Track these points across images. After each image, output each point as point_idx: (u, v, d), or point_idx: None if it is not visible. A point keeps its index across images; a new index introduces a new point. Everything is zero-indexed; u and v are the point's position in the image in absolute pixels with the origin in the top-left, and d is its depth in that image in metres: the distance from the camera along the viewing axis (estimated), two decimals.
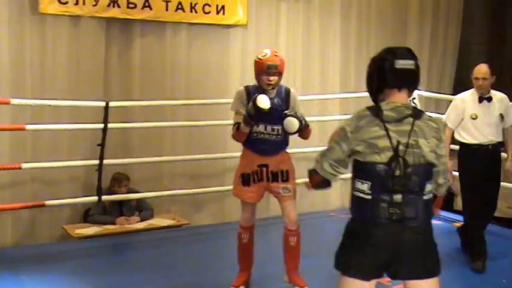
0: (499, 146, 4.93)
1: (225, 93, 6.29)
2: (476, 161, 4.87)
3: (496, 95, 4.92)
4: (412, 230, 2.48)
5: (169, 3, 5.96)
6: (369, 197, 2.47)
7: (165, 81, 6.13)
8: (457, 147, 5.10)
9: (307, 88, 6.66)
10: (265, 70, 3.93)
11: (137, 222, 5.70)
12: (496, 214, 5.34)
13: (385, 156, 2.46)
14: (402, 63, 2.57)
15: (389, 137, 2.48)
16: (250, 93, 3.98)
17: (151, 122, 5.82)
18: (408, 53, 2.64)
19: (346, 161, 2.60)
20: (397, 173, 2.44)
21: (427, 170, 2.52)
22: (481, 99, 4.87)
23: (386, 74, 2.56)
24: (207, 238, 5.68)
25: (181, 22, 6.09)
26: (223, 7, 6.23)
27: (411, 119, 2.52)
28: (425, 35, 7.64)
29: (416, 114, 2.55)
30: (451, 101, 7.48)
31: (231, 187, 6.16)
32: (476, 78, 4.86)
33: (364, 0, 7.13)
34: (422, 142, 2.50)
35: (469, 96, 4.96)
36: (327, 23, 6.86)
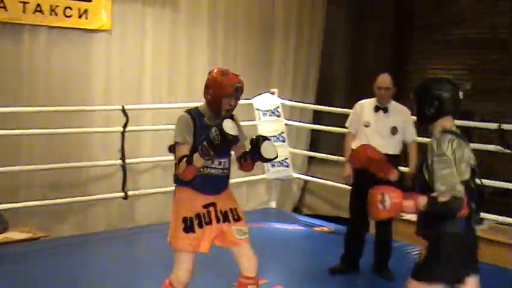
0: (390, 159, 4.47)
1: (87, 99, 6.10)
2: (363, 170, 4.85)
3: (397, 107, 4.83)
4: None
5: (26, 5, 5.66)
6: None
7: (22, 87, 5.81)
8: None
9: (174, 97, 6.62)
10: (231, 93, 3.29)
11: None
12: None
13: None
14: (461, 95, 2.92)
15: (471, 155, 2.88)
16: (196, 120, 3.32)
17: (6, 130, 5.48)
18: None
19: None
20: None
21: None
22: (377, 109, 4.79)
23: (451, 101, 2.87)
24: (68, 250, 5.43)
25: (40, 25, 5.81)
26: (86, 11, 6.03)
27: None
28: (290, 47, 7.87)
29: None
30: (315, 110, 7.89)
31: (95, 196, 6.12)
32: (379, 88, 4.73)
33: (231, 13, 7.19)
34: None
35: (367, 104, 4.88)
36: (194, 33, 6.86)
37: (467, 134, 3.19)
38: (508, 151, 5.58)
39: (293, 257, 5.41)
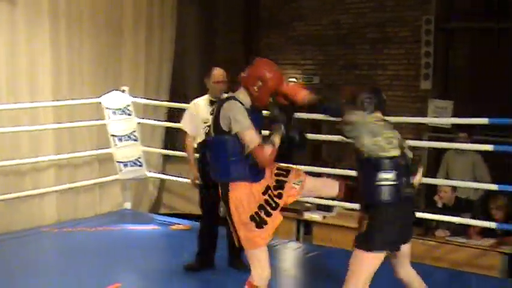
0: None
1: None
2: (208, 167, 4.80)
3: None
4: None
5: None
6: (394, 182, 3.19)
7: None
8: None
9: (15, 96, 6.19)
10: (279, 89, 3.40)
11: None
12: None
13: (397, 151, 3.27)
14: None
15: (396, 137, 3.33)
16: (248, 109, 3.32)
17: None
18: None
19: None
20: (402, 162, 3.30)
21: None
22: (212, 103, 4.71)
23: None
24: None
25: None
26: None
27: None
28: (141, 44, 7.66)
29: None
30: (169, 107, 7.78)
31: None
32: (218, 82, 4.71)
33: (74, 9, 6.80)
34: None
35: (202, 101, 4.86)
36: (35, 29, 6.41)
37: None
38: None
39: (148, 257, 5.28)
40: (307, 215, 6.55)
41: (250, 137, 3.25)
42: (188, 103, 6.79)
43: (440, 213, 5.60)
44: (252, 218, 3.27)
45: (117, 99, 6.69)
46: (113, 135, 6.62)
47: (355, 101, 3.36)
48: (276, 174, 3.42)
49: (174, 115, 8.09)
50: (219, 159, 3.34)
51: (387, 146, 3.20)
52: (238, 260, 4.85)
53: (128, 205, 7.04)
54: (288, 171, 3.47)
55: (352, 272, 3.22)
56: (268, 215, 3.29)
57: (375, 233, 3.18)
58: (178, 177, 7.03)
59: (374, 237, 3.18)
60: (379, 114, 3.38)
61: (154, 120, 7.45)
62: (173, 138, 8.49)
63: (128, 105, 6.73)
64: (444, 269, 5.19)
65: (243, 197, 3.29)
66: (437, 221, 5.74)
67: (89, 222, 6.37)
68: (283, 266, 5.24)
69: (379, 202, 3.19)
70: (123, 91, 6.83)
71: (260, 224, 3.27)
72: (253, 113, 3.35)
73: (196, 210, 7.63)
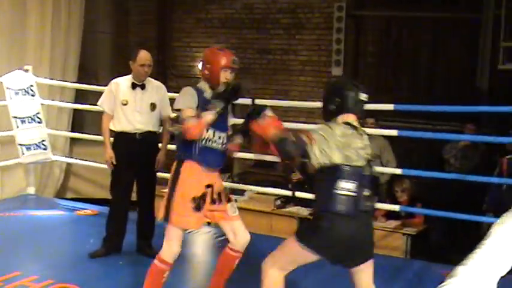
0: (151, 136, 4.71)
1: None
2: (122, 150, 4.68)
3: (152, 82, 4.74)
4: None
5: None
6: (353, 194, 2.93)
7: None
8: None
9: None
10: (228, 64, 3.48)
11: None
12: None
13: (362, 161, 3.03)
14: (364, 97, 3.16)
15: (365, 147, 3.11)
16: (199, 94, 3.48)
17: None
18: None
19: None
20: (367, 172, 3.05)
21: None
22: (134, 86, 4.65)
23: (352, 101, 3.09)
24: None
25: None
26: None
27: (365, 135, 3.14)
28: (47, 24, 7.32)
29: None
30: (77, 89, 7.50)
31: None
32: (143, 65, 4.59)
33: None
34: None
35: (123, 82, 4.70)
36: None
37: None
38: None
39: (52, 244, 5.09)
40: None
41: (182, 114, 3.42)
42: (99, 84, 6.69)
43: None
44: (194, 199, 3.42)
45: (20, 79, 6.37)
46: (14, 117, 6.29)
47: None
48: (221, 192, 3.59)
49: (85, 97, 7.84)
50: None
51: (354, 157, 2.99)
52: (147, 246, 4.77)
53: (31, 190, 6.75)
54: (229, 200, 3.64)
55: (276, 251, 3.14)
56: (203, 205, 3.46)
57: (316, 231, 2.99)
58: (86, 160, 6.83)
59: (311, 233, 3.01)
60: (346, 121, 3.08)
61: (61, 101, 7.17)
62: (81, 121, 8.23)
63: (31, 86, 6.43)
64: None
65: (195, 176, 3.46)
66: None
67: None
68: (192, 250, 5.20)
69: (329, 209, 2.93)
70: (27, 71, 6.50)
71: (197, 208, 3.43)
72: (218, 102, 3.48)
73: (104, 194, 7.49)
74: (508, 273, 1.49)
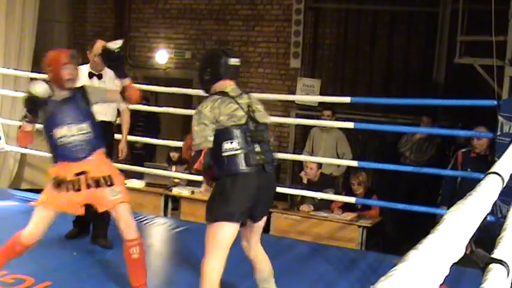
0: (106, 125, 4.62)
1: None
2: None
3: (110, 72, 4.58)
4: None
5: None
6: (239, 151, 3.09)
7: None
8: None
9: None
10: (67, 60, 3.52)
11: None
12: None
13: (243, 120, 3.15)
14: (234, 61, 3.30)
15: (241, 107, 3.19)
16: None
17: None
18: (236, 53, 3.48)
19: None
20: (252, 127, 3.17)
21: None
22: (91, 75, 4.71)
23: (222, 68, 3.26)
24: None
25: None
26: None
27: (245, 95, 3.29)
28: (1, 13, 7.17)
29: (246, 92, 3.37)
30: (31, 78, 7.34)
31: None
32: (95, 55, 4.59)
33: None
34: (260, 108, 3.31)
35: (82, 71, 4.59)
36: None
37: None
38: None
39: (3, 235, 4.96)
40: (176, 191, 6.50)
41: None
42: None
43: (305, 189, 5.78)
44: (55, 179, 3.51)
45: None
46: None
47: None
48: (104, 178, 3.57)
49: None
50: None
51: (229, 122, 3.12)
52: (102, 237, 4.74)
53: None
54: (112, 184, 3.58)
55: (207, 245, 3.15)
56: (67, 190, 3.50)
57: (220, 204, 3.09)
58: (40, 151, 6.69)
59: (218, 208, 3.09)
60: (221, 89, 3.25)
61: (15, 91, 7.02)
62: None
63: None
64: (307, 242, 5.37)
65: (59, 170, 3.55)
66: (303, 196, 5.93)
67: None
68: (148, 241, 5.17)
69: (223, 173, 3.09)
70: None
71: (56, 186, 3.50)
72: (66, 103, 3.56)
73: None
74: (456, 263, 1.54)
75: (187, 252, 4.74)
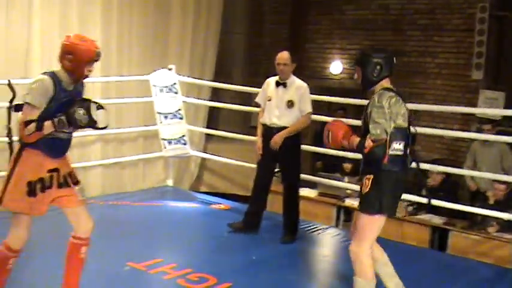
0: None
1: None
2: (265, 141, 5.07)
3: (295, 82, 5.07)
4: None
5: None
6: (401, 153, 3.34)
7: None
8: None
9: None
10: (93, 58, 3.28)
11: None
12: None
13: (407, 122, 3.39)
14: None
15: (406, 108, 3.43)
16: (56, 84, 3.24)
17: None
18: None
19: None
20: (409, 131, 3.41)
21: None
22: (278, 84, 5.06)
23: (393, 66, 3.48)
24: None
25: None
26: None
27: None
28: (188, 23, 7.70)
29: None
30: (213, 87, 7.79)
31: None
32: (278, 64, 5.00)
33: None
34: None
35: (272, 80, 5.15)
36: (86, 6, 6.50)
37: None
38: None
39: (188, 234, 5.33)
40: (348, 202, 6.49)
41: (27, 111, 3.24)
42: (233, 83, 6.94)
43: (489, 208, 5.47)
44: (29, 183, 3.28)
45: (165, 77, 6.74)
46: (159, 113, 6.67)
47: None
48: (71, 174, 3.46)
49: (218, 95, 8.13)
50: None
51: (404, 124, 3.36)
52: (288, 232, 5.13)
53: (170, 182, 7.10)
54: (77, 182, 3.49)
55: (361, 232, 3.44)
56: (42, 190, 3.32)
57: (378, 197, 3.35)
58: (220, 156, 7.07)
59: (377, 201, 3.36)
60: (385, 86, 3.47)
61: (199, 99, 7.48)
62: (215, 118, 8.53)
63: (175, 84, 6.77)
64: (489, 265, 5.07)
65: (34, 161, 3.30)
66: (484, 216, 5.60)
67: (133, 197, 6.47)
68: (321, 252, 5.23)
69: (385, 168, 3.32)
70: (170, 69, 6.85)
71: (31, 193, 3.29)
72: (73, 89, 3.33)
73: (236, 190, 7.73)
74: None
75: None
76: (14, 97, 5.44)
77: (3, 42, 5.92)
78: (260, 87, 5.30)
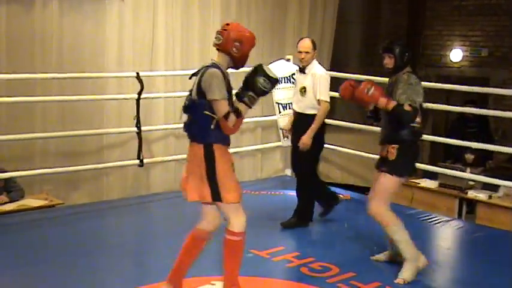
0: (302, 117, 5.06)
1: (101, 67, 6.04)
2: (294, 126, 5.21)
3: (313, 69, 5.06)
4: None
5: None
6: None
7: (35, 54, 5.73)
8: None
9: (187, 64, 6.52)
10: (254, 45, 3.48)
11: (5, 203, 5.33)
12: None
13: None
14: None
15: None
16: (224, 75, 3.37)
17: (20, 97, 5.43)
18: None
19: None
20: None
21: None
22: (300, 70, 5.16)
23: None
24: (83, 218, 5.41)
25: None
26: None
27: None
28: (305, 14, 7.72)
29: None
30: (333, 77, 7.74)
31: (109, 164, 6.09)
32: (300, 52, 5.06)
33: None
34: None
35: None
36: (207, 6, 6.73)
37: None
38: None
39: (310, 224, 5.38)
40: (471, 194, 6.27)
41: (219, 106, 3.30)
42: (349, 73, 6.92)
43: None
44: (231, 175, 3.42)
45: (283, 67, 6.82)
46: (277, 103, 6.77)
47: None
48: None
49: (334, 85, 8.09)
50: (199, 122, 3.39)
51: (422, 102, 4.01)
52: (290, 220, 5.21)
53: (288, 172, 7.18)
54: None
55: (382, 192, 4.08)
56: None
57: (403, 163, 4.03)
58: (337, 146, 7.05)
59: (402, 166, 4.04)
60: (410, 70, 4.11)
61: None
62: (332, 108, 8.49)
63: (293, 74, 6.79)
64: None
65: (225, 156, 3.41)
66: None
67: (252, 186, 6.60)
68: (445, 244, 5.11)
69: (408, 138, 4.01)
70: (288, 60, 6.93)
71: (237, 182, 3.45)
72: (226, 77, 3.39)
73: (352, 180, 7.69)
74: None
75: (484, 260, 4.59)
76: (142, 89, 5.82)
77: (131, 36, 6.25)
78: (376, 77, 5.24)
